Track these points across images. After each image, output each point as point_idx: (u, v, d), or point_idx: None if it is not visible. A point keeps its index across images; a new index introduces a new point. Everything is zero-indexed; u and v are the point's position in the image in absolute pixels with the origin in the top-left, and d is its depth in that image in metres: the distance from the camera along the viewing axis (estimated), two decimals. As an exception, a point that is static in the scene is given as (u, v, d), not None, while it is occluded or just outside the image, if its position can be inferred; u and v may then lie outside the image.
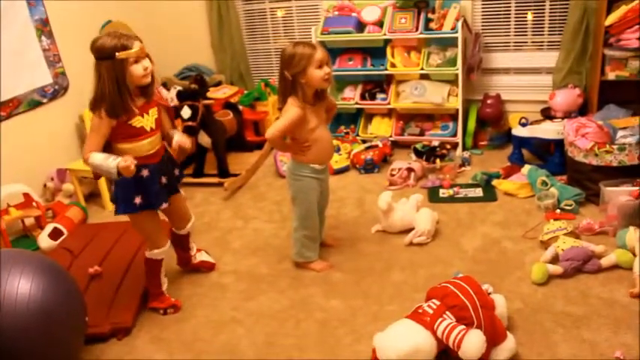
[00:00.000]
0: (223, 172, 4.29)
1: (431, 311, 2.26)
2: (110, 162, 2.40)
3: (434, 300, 2.32)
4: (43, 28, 4.10)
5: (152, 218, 2.73)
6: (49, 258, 2.53)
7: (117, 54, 2.35)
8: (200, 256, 3.18)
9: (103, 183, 4.07)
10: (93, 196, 4.30)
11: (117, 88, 2.38)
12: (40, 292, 2.19)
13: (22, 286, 2.16)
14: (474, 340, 2.09)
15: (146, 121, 2.55)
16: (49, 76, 4.16)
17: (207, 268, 3.18)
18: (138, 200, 2.60)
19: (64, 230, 3.66)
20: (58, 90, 4.24)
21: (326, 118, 2.98)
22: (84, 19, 4.47)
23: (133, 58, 2.40)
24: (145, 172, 2.59)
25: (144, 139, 2.56)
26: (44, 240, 3.58)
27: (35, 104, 4.05)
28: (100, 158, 2.42)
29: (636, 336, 2.32)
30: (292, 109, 2.75)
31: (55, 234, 3.62)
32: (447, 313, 2.24)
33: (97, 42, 2.39)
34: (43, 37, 4.10)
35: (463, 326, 2.17)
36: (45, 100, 4.13)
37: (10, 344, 2.08)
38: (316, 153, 2.89)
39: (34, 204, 3.73)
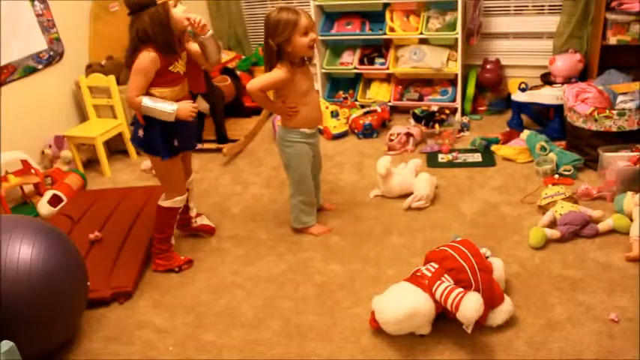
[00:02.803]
0: (222, 137, 4.28)
1: (429, 274, 2.28)
2: (170, 105, 2.57)
3: (432, 263, 2.34)
4: (36, -8, 4.03)
5: (178, 165, 2.81)
6: (49, 224, 2.53)
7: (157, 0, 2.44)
8: (200, 220, 3.20)
9: (101, 148, 4.07)
10: (91, 163, 4.30)
11: (163, 31, 2.48)
12: (41, 258, 2.20)
13: (24, 251, 2.17)
14: (471, 303, 2.12)
15: (180, 65, 2.66)
16: (43, 42, 4.10)
17: (206, 232, 3.19)
18: (176, 143, 2.72)
19: (64, 197, 3.66)
20: (53, 56, 4.19)
21: None
22: (78, -18, 4.39)
23: (173, 1, 2.50)
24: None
25: (179, 84, 2.67)
26: (44, 207, 3.58)
27: (31, 71, 4.01)
28: (155, 101, 2.57)
29: (631, 299, 2.35)
30: (278, 71, 2.74)
31: (54, 200, 3.62)
32: (446, 276, 2.26)
33: None
34: (37, 2, 4.03)
35: (461, 289, 2.19)
36: (40, 67, 4.08)
37: (12, 309, 2.10)
38: (307, 117, 2.88)
39: (32, 171, 3.73)
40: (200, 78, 2.83)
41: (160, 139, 2.66)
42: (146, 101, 2.55)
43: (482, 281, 2.25)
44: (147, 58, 2.50)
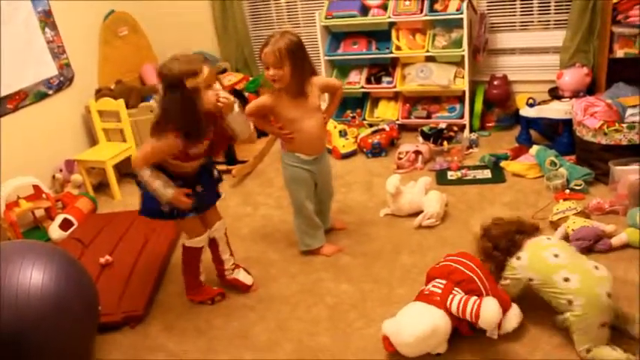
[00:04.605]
0: (231, 159, 4.29)
1: (439, 291, 2.27)
2: (166, 190, 2.44)
3: (438, 280, 2.34)
4: (47, 19, 4.10)
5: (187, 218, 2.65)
6: (60, 248, 2.54)
7: (187, 82, 2.27)
8: (236, 274, 2.91)
9: (111, 172, 4.09)
10: (102, 187, 4.32)
11: (189, 116, 2.32)
12: (52, 283, 2.21)
13: (35, 276, 2.18)
14: (490, 307, 2.13)
15: (203, 146, 2.52)
16: (54, 67, 4.16)
17: (240, 287, 2.90)
18: (166, 209, 2.55)
19: (74, 221, 3.68)
20: (63, 81, 4.24)
21: (333, 102, 2.98)
22: (87, 9, 4.46)
23: (204, 84, 2.32)
24: (179, 182, 2.54)
25: (194, 161, 2.55)
26: (55, 231, 3.60)
27: (42, 96, 4.06)
28: (155, 180, 2.42)
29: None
30: (263, 96, 2.84)
31: (65, 225, 3.64)
32: (456, 289, 2.26)
33: (164, 68, 2.31)
34: (47, 29, 4.10)
35: (476, 297, 2.20)
36: (51, 92, 4.14)
37: (24, 334, 2.10)
38: (299, 144, 2.88)
39: (43, 195, 3.76)
40: (220, 148, 2.70)
41: (147, 199, 2.54)
42: (146, 175, 2.42)
43: (490, 288, 2.28)
44: (168, 143, 2.37)
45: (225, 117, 2.50)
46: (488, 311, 2.13)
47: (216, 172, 2.80)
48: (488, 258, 2.43)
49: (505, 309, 2.27)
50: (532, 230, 2.43)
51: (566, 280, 2.16)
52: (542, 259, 2.26)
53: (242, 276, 2.92)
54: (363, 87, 4.63)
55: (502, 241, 2.38)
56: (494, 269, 2.40)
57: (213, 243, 2.82)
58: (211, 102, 2.37)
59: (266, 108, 2.82)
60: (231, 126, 2.54)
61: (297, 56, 2.65)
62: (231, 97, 2.45)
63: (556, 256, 2.25)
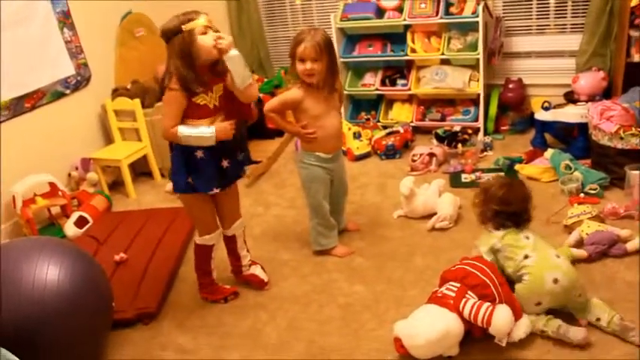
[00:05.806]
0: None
1: (452, 294, 2.26)
2: (209, 128, 2.46)
3: (452, 283, 2.33)
4: (65, 20, 4.14)
5: (203, 203, 2.64)
6: (76, 245, 2.57)
7: (183, 26, 2.35)
8: (253, 269, 2.95)
9: (126, 170, 4.13)
10: (116, 185, 4.36)
11: (185, 62, 2.36)
12: (68, 279, 2.23)
13: (51, 272, 2.21)
14: (502, 315, 2.13)
15: (210, 98, 2.49)
16: (71, 67, 4.21)
17: (256, 283, 2.92)
18: (190, 180, 2.54)
19: (89, 218, 3.72)
20: (80, 81, 4.28)
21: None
22: (104, 10, 4.50)
23: (200, 29, 2.37)
24: (199, 154, 2.51)
25: (206, 117, 2.50)
26: (70, 228, 3.64)
27: (59, 95, 4.10)
28: (192, 127, 2.45)
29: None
30: (291, 90, 2.81)
31: (80, 222, 3.68)
32: (470, 293, 2.25)
33: (164, 26, 2.41)
34: (65, 29, 4.14)
35: (489, 303, 2.19)
36: (68, 92, 4.18)
37: (39, 329, 2.12)
38: (321, 141, 2.88)
39: (59, 193, 3.80)
40: (244, 106, 2.64)
41: (174, 170, 2.55)
42: (182, 129, 2.43)
43: (503, 295, 2.26)
44: (173, 95, 2.41)
45: (223, 58, 2.43)
46: (500, 319, 2.13)
47: (241, 155, 2.71)
48: (486, 205, 2.51)
49: (516, 317, 2.25)
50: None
51: (526, 257, 2.36)
52: (516, 237, 2.42)
53: (259, 271, 2.95)
54: (377, 89, 4.63)
55: (512, 208, 2.46)
56: (480, 217, 2.57)
57: (231, 240, 2.85)
58: (208, 44, 2.37)
59: (295, 102, 2.80)
60: (227, 65, 2.43)
61: (332, 51, 2.72)
62: (229, 38, 2.41)
63: (527, 238, 2.43)
